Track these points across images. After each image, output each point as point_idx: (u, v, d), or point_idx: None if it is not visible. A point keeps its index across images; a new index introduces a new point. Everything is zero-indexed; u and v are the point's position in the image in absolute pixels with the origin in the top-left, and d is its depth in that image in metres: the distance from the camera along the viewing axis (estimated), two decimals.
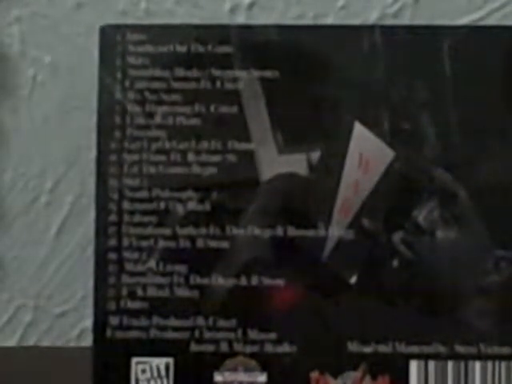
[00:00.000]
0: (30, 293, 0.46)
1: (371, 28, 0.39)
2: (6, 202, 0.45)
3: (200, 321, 0.38)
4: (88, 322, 0.45)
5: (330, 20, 0.44)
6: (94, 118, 0.44)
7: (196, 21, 0.44)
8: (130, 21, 0.45)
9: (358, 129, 0.38)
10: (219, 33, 0.39)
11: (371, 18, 0.44)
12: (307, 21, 0.44)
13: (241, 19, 0.44)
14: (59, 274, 0.45)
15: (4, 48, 0.45)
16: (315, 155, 0.38)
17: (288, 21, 0.44)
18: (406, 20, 0.44)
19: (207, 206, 0.38)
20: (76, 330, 0.46)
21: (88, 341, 0.45)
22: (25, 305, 0.46)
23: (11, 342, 0.46)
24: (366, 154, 0.38)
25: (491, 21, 0.43)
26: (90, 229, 0.44)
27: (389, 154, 0.38)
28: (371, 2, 0.44)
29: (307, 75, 0.39)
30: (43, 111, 0.46)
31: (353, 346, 0.38)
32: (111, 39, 0.39)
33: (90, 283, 0.44)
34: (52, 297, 0.46)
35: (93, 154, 0.44)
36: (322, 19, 0.44)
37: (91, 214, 0.44)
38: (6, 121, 0.45)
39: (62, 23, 0.46)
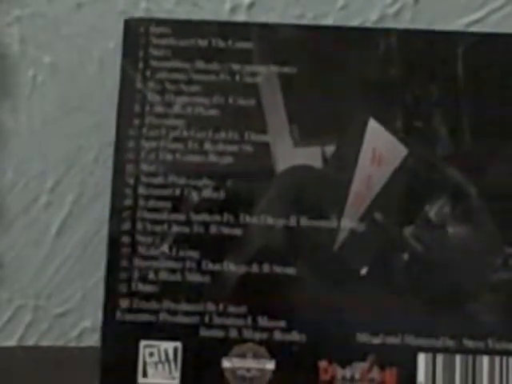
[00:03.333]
0: (29, 293, 0.45)
1: (387, 31, 0.40)
2: (6, 201, 0.45)
3: (210, 306, 0.38)
4: (88, 322, 0.45)
5: (329, 20, 0.45)
6: (94, 118, 0.45)
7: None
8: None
9: (373, 125, 0.39)
10: (240, 29, 0.40)
11: (371, 18, 0.45)
12: (307, 21, 0.45)
13: (241, 19, 0.45)
14: (59, 273, 0.45)
15: (4, 48, 0.45)
16: (330, 149, 0.39)
17: (288, 21, 0.45)
18: (406, 20, 0.44)
19: (222, 194, 0.39)
20: (76, 329, 0.45)
21: (88, 341, 0.45)
22: (25, 305, 0.45)
23: (11, 342, 0.45)
24: (380, 149, 0.39)
25: (491, 21, 0.44)
26: (89, 229, 0.45)
27: (402, 150, 0.39)
28: (371, 2, 0.45)
29: (324, 72, 0.40)
30: (43, 111, 0.45)
31: (362, 337, 0.38)
32: (135, 31, 0.40)
33: (90, 283, 0.45)
34: (52, 297, 0.45)
35: (93, 153, 0.45)
36: (321, 19, 0.45)
37: (91, 214, 0.45)
38: (6, 121, 0.45)
39: (61, 23, 0.46)
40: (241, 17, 0.45)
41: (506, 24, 0.44)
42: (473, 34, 0.41)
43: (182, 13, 0.45)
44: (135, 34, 0.40)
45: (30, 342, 0.45)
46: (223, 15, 0.45)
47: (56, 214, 0.45)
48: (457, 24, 0.44)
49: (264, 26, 0.40)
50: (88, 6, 0.46)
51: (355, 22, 0.45)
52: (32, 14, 0.46)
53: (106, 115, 0.41)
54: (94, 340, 0.44)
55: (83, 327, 0.45)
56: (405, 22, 0.44)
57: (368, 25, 0.44)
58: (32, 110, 0.46)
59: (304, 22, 0.45)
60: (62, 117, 0.45)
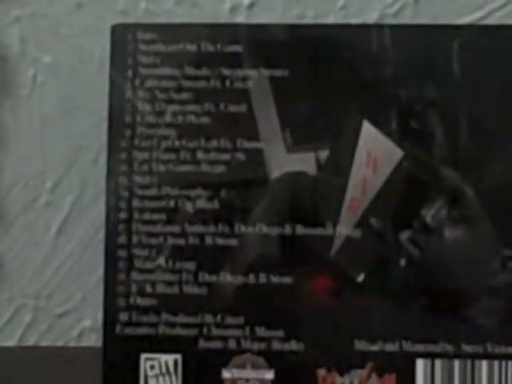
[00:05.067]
0: (29, 293, 0.45)
1: (381, 27, 0.39)
2: (6, 201, 0.45)
3: (208, 318, 0.38)
4: (88, 322, 0.45)
5: (330, 20, 0.44)
6: (94, 118, 0.44)
7: (196, 21, 0.44)
8: (129, 21, 0.44)
9: (367, 128, 0.38)
10: (229, 32, 0.39)
11: (371, 17, 0.43)
12: (307, 21, 0.44)
13: (241, 19, 0.44)
14: (59, 273, 0.45)
15: (4, 48, 0.45)
16: (324, 154, 0.39)
17: (288, 21, 0.44)
18: (406, 20, 0.43)
19: (216, 204, 0.39)
20: (76, 330, 0.45)
21: (88, 341, 0.45)
22: (25, 305, 0.45)
23: (11, 342, 0.46)
24: (375, 152, 0.38)
25: (491, 21, 0.43)
26: (89, 229, 0.45)
27: (397, 152, 0.38)
28: (371, 2, 0.44)
29: (316, 74, 0.39)
30: (43, 111, 0.45)
31: (360, 344, 0.38)
32: (122, 38, 0.39)
33: (90, 283, 0.45)
34: (52, 297, 0.45)
35: (93, 154, 0.45)
36: (322, 19, 0.44)
37: (91, 214, 0.45)
38: (6, 121, 0.45)
39: (61, 23, 0.45)
40: (241, 17, 0.44)
41: (507, 23, 0.43)
42: (467, 27, 0.40)
43: (182, 13, 0.45)
44: (123, 40, 0.40)
45: (30, 342, 0.46)
46: (223, 15, 0.44)
47: (56, 214, 0.45)
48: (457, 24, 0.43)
49: (252, 27, 0.40)
50: (88, 5, 0.45)
51: (355, 22, 0.44)
52: (32, 14, 0.46)
53: (105, 115, 0.41)
54: (93, 340, 0.45)
55: (83, 327, 0.45)
56: (405, 22, 0.43)
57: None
58: (32, 110, 0.45)
59: (304, 22, 0.44)
60: (62, 117, 0.45)
